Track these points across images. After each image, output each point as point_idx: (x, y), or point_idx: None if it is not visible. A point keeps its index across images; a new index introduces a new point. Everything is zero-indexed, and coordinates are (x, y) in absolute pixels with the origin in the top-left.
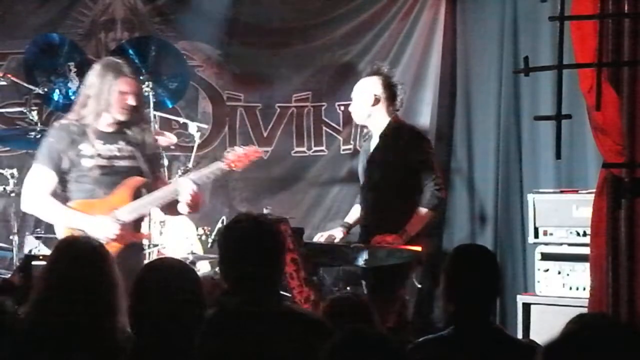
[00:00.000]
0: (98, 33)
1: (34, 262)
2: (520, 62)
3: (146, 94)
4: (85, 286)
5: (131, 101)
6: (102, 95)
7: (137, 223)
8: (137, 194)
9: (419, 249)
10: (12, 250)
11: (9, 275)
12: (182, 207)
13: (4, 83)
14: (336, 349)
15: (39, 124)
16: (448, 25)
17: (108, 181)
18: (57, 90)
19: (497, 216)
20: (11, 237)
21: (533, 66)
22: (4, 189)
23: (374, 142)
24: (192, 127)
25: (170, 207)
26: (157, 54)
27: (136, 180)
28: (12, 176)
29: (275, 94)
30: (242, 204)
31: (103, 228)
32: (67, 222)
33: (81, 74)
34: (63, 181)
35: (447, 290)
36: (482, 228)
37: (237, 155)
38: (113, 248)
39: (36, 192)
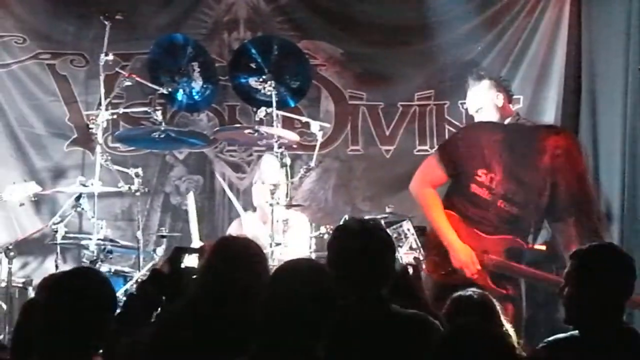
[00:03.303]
0: (221, 33)
1: (184, 254)
2: None
3: (269, 93)
4: (240, 288)
5: None
6: None
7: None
8: (510, 253)
9: (543, 248)
10: (137, 249)
11: (159, 265)
12: None
13: (129, 83)
14: (441, 343)
15: (163, 124)
16: (573, 21)
17: (495, 221)
18: (180, 90)
19: (623, 216)
20: (137, 236)
21: None
22: (129, 188)
23: None
24: (314, 125)
25: None
26: (279, 53)
27: (512, 241)
28: (137, 175)
29: (397, 93)
30: (364, 202)
31: (463, 259)
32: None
33: (205, 73)
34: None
35: (577, 290)
36: (608, 228)
37: None
38: (457, 279)
39: (420, 182)
